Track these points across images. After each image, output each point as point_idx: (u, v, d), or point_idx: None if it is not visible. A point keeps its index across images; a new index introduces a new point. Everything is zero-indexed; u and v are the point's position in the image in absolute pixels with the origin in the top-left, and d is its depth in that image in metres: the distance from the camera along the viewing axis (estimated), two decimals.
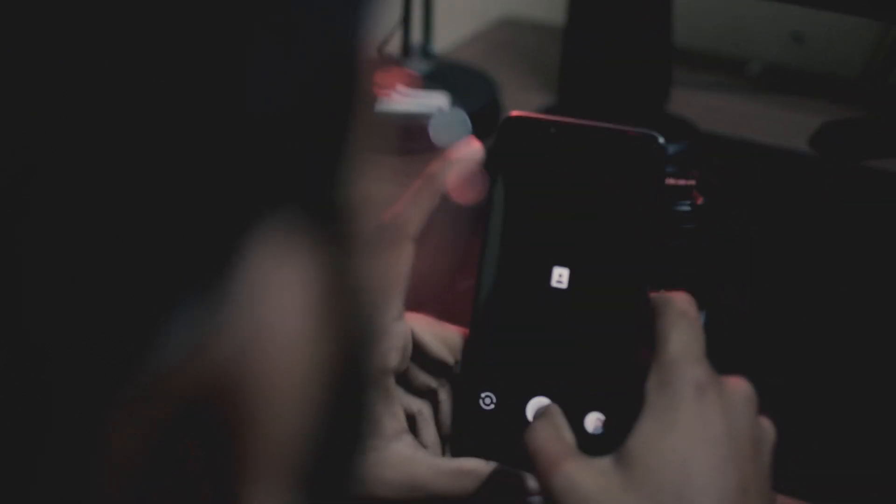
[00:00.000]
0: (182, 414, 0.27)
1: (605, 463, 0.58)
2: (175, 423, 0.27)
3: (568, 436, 0.61)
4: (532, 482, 0.64)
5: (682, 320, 0.60)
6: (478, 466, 0.64)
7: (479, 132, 1.08)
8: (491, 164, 0.66)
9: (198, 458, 0.28)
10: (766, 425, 0.60)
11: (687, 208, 0.87)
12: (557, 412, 0.62)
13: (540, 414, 0.62)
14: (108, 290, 0.25)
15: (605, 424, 0.63)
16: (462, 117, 0.53)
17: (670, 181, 0.87)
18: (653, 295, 0.62)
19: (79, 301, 0.25)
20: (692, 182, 0.88)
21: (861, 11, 1.06)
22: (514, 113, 0.66)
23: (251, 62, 0.27)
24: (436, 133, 0.54)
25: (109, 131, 0.25)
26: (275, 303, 0.28)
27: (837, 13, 1.09)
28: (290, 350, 0.28)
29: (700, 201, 0.87)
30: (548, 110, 1.19)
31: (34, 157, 0.24)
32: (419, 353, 0.67)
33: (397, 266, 0.64)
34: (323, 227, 0.30)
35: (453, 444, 0.67)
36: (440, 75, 1.23)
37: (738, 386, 0.59)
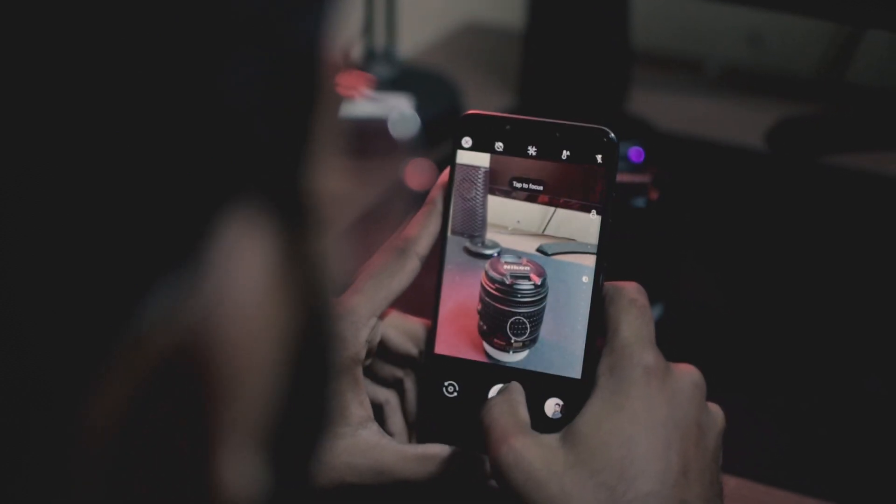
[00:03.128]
0: (157, 373, 0.29)
1: (552, 440, 0.60)
2: (150, 385, 0.29)
3: (522, 412, 0.63)
4: None
5: (632, 307, 0.62)
6: (442, 452, 0.66)
7: (441, 135, 1.11)
8: (448, 161, 0.68)
9: (171, 418, 0.30)
10: (715, 411, 0.63)
11: (642, 204, 0.89)
12: (517, 390, 0.64)
13: (499, 392, 0.65)
14: (92, 265, 0.28)
15: (564, 409, 0.65)
16: (415, 119, 0.55)
17: (625, 177, 0.89)
18: (606, 284, 0.65)
19: (64, 275, 0.28)
20: (647, 178, 0.90)
21: (815, 13, 1.08)
22: (471, 111, 0.68)
23: (222, 64, 0.30)
24: (394, 135, 0.56)
25: (94, 125, 0.28)
26: (237, 274, 0.30)
27: (792, 14, 1.12)
28: (252, 316, 0.31)
29: (655, 197, 0.90)
30: (509, 112, 1.21)
31: (17, 146, 0.27)
32: (385, 346, 0.70)
33: (401, 278, 0.68)
34: (284, 211, 0.32)
35: (419, 431, 0.70)
36: (403, 80, 1.25)
37: (687, 372, 0.62)
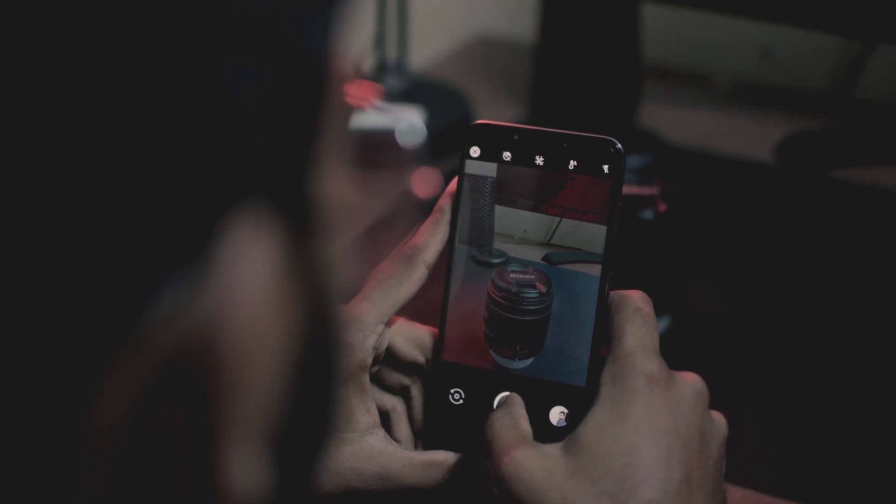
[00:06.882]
0: (162, 372, 0.30)
1: (553, 450, 0.61)
2: (156, 381, 0.30)
3: (523, 425, 0.63)
4: None
5: (636, 316, 0.63)
6: (448, 458, 0.67)
7: (452, 147, 1.11)
8: (456, 171, 0.69)
9: (177, 414, 0.31)
10: (718, 419, 0.63)
11: (650, 216, 0.90)
12: (517, 402, 0.65)
13: (501, 404, 0.65)
14: (99, 265, 0.28)
15: (568, 417, 0.66)
16: (422, 129, 0.55)
17: (634, 190, 0.90)
18: (612, 293, 0.65)
19: (70, 274, 0.28)
20: (655, 191, 0.91)
21: (825, 27, 1.09)
22: (479, 121, 0.69)
23: (230, 69, 0.30)
24: (402, 145, 0.57)
25: (101, 128, 0.28)
26: (243, 277, 0.31)
27: (802, 29, 1.12)
28: (256, 317, 0.32)
29: (663, 209, 0.90)
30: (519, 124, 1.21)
31: (25, 148, 0.28)
32: (392, 353, 0.70)
33: (408, 286, 0.68)
34: (289, 216, 0.33)
35: (425, 438, 0.70)
36: (415, 92, 1.26)
37: (689, 380, 0.62)
